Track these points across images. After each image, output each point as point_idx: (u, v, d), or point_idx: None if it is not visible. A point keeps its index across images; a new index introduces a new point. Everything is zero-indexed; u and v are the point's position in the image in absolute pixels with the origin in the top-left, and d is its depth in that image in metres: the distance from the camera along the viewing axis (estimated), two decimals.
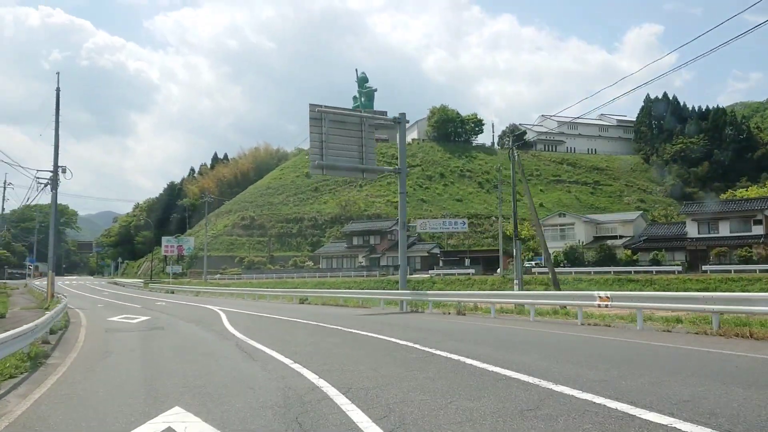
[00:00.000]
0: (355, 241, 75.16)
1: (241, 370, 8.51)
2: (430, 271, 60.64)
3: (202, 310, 24.91)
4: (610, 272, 51.34)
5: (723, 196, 76.52)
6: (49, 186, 31.49)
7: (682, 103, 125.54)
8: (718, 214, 56.37)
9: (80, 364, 9.70)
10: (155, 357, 10.41)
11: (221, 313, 22.14)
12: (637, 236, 62.11)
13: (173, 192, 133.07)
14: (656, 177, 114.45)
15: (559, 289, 21.39)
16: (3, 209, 60.93)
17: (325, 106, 22.32)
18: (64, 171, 30.72)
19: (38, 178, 31.33)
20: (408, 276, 60.30)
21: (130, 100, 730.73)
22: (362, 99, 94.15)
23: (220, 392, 6.91)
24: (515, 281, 21.62)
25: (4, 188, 56.49)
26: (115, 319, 20.25)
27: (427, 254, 68.91)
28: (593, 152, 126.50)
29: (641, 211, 72.89)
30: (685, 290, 39.99)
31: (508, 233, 69.84)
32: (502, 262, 57.53)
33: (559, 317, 16.45)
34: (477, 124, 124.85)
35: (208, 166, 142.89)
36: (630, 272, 51.06)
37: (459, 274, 57.93)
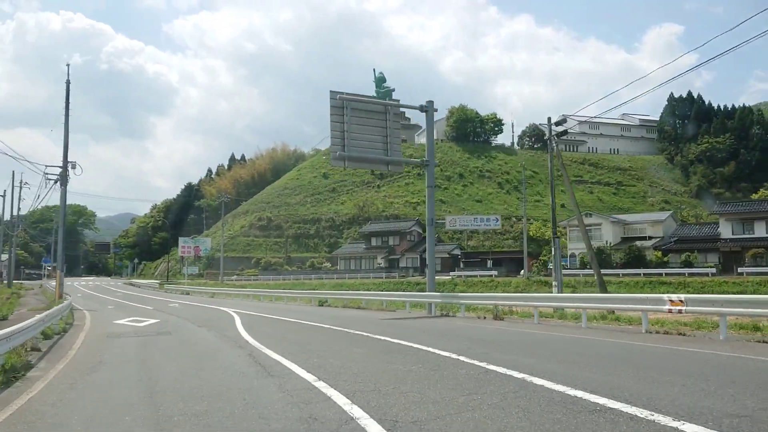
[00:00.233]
0: (374, 241, 73.50)
1: (253, 391, 6.89)
2: (452, 273, 58.79)
3: (216, 313, 23.42)
4: (639, 274, 49.26)
5: (754, 196, 73.74)
6: (59, 183, 30.33)
7: (707, 102, 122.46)
8: (753, 213, 53.92)
9: (63, 380, 8.14)
10: (153, 370, 8.81)
11: (235, 315, 20.61)
12: (667, 237, 59.77)
13: (190, 193, 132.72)
14: (681, 177, 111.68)
15: (606, 292, 19.54)
16: (19, 209, 60.13)
17: (347, 93, 20.70)
18: (74, 167, 29.48)
19: (47, 174, 30.14)
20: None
21: (149, 103, 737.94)
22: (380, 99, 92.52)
23: (225, 424, 5.30)
24: (554, 283, 19.77)
25: (20, 188, 55.63)
26: (121, 321, 18.80)
27: (447, 255, 67.03)
28: (615, 152, 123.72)
29: (671, 211, 70.29)
30: (722, 293, 37.93)
31: (531, 234, 67.92)
32: (526, 264, 55.53)
33: (610, 323, 14.64)
34: (496, 124, 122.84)
35: (226, 167, 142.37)
36: (661, 274, 48.88)
37: (481, 275, 56.08)
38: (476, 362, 8.34)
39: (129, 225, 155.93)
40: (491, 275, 56.55)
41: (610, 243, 59.46)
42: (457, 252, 69.12)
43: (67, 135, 29.28)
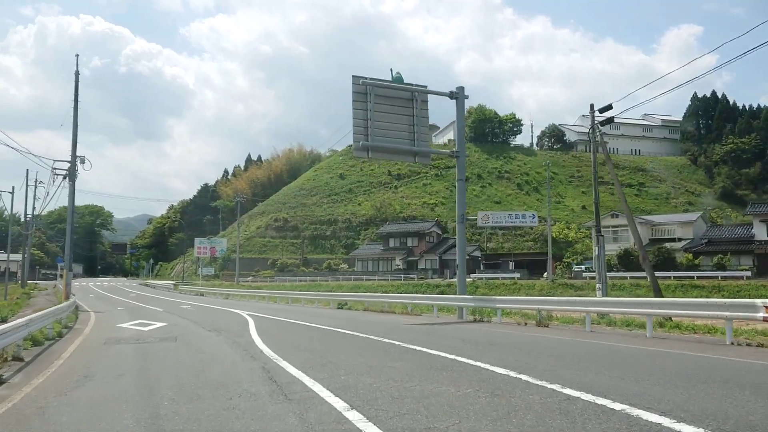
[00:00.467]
0: (392, 243, 71.78)
1: (266, 421, 5.27)
2: (472, 275, 56.85)
3: (229, 316, 21.89)
4: (669, 277, 47.05)
5: None
6: (68, 178, 29.08)
7: (731, 102, 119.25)
8: None
9: (33, 401, 6.57)
10: (145, 389, 7.20)
11: (249, 319, 19.04)
12: (697, 239, 57.38)
13: (207, 194, 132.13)
14: (705, 179, 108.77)
15: (662, 296, 17.65)
16: (34, 208, 59.37)
17: (371, 78, 19.05)
18: (83, 161, 28.22)
19: (56, 169, 28.90)
20: (448, 280, 56.91)
21: (166, 106, 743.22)
22: None
23: None
24: (598, 285, 17.90)
25: (35, 187, 54.71)
26: (125, 325, 17.30)
27: (467, 257, 65.12)
28: (637, 153, 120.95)
29: (701, 212, 67.70)
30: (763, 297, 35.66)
31: (554, 235, 65.77)
32: (550, 266, 53.46)
33: (679, 332, 12.80)
34: (515, 125, 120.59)
35: (242, 168, 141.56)
36: (693, 277, 46.71)
37: (502, 278, 54.16)
38: (546, 384, 6.63)
39: (146, 226, 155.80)
40: (513, 278, 54.63)
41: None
42: (477, 254, 67.20)
43: (76, 128, 28.04)
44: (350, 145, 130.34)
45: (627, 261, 53.91)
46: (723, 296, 38.46)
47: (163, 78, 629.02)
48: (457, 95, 19.86)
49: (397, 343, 11.30)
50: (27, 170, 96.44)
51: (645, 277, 48.25)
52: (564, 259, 62.36)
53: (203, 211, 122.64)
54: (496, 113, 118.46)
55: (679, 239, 57.56)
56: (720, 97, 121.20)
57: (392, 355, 9.59)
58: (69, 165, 28.03)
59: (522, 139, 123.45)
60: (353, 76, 18.84)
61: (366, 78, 18.93)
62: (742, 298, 31.19)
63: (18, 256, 70.32)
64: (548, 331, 13.83)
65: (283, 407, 5.85)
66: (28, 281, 66.02)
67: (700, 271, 49.80)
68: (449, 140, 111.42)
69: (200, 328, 16.09)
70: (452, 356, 9.13)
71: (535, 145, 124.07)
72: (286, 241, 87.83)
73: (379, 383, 6.96)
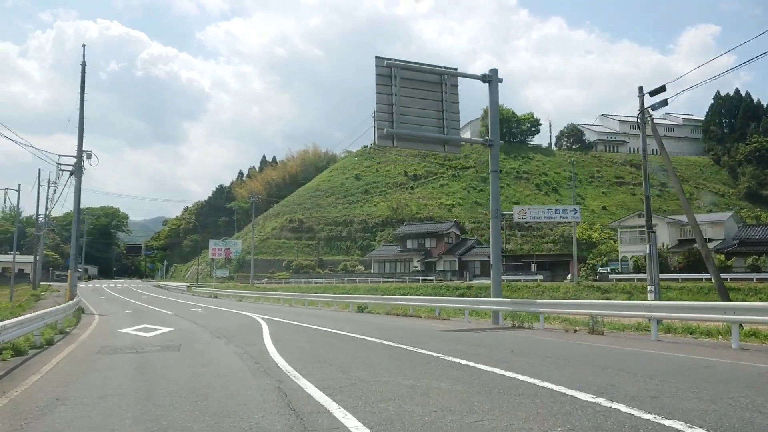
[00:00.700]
0: (409, 244, 70.01)
1: None
2: None
3: (241, 319, 20.32)
4: (701, 279, 44.86)
5: None
6: (75, 176, 27.79)
7: (755, 100, 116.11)
8: None
9: None
10: (128, 419, 5.55)
11: (263, 324, 17.43)
12: (728, 239, 55.08)
13: (222, 195, 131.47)
14: (728, 179, 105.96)
15: (729, 298, 15.80)
16: (47, 209, 58.64)
17: (396, 60, 17.38)
18: (89, 157, 26.90)
19: (61, 164, 27.63)
20: (468, 282, 55.05)
21: (182, 109, 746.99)
22: None
23: None
24: (650, 288, 16.07)
25: (48, 187, 53.81)
26: (128, 330, 15.77)
27: (486, 259, 63.15)
28: (657, 153, 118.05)
29: (732, 211, 65.21)
30: None
31: (576, 236, 63.61)
32: (575, 268, 51.43)
33: (754, 341, 10.99)
34: (533, 124, 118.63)
35: (257, 170, 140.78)
36: (726, 279, 44.43)
37: (525, 280, 52.25)
38: (663, 420, 4.89)
39: (161, 228, 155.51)
40: (536, 280, 52.78)
41: (667, 245, 54.98)
42: None
43: (82, 122, 26.68)
44: (365, 146, 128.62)
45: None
46: (760, 299, 36.33)
47: (180, 82, 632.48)
48: (491, 78, 18.10)
49: (435, 354, 9.58)
50: (39, 170, 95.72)
51: (675, 279, 46.22)
52: (588, 261, 60.27)
53: (218, 213, 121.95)
54: (513, 113, 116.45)
55: (710, 240, 55.22)
56: (744, 95, 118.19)
57: (434, 372, 7.86)
58: (75, 160, 26.72)
59: (540, 140, 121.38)
60: (377, 57, 17.18)
61: (390, 59, 17.29)
62: None
63: (31, 258, 69.71)
64: (606, 339, 12.02)
65: None
66: (42, 283, 65.28)
67: (734, 272, 47.65)
68: (469, 135, 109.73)
69: (209, 334, 14.50)
70: (510, 374, 7.39)
71: (553, 145, 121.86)
72: (302, 243, 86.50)
73: (431, 416, 5.24)
